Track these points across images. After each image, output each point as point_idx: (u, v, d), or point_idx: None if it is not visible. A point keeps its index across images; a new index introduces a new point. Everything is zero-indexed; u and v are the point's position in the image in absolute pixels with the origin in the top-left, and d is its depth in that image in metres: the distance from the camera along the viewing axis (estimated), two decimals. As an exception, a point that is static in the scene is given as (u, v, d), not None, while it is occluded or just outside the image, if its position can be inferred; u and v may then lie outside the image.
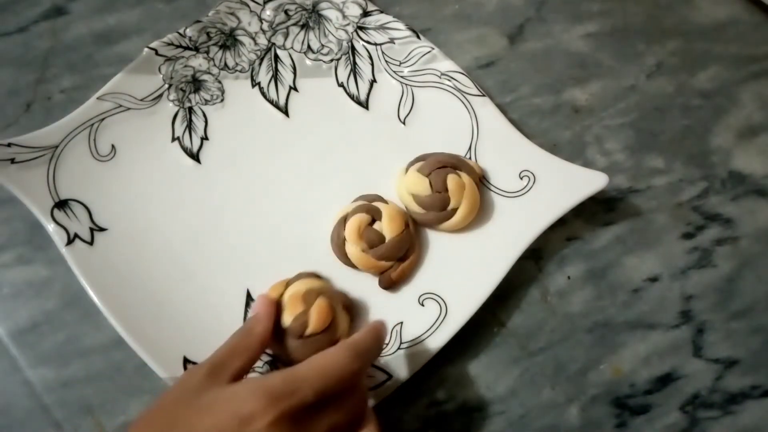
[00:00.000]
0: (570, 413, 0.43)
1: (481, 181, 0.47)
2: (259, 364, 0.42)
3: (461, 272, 0.44)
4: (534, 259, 0.47)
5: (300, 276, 0.43)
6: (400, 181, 0.46)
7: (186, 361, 0.40)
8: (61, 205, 0.43)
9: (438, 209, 0.45)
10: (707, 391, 0.45)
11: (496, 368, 0.44)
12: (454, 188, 0.44)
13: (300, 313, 0.40)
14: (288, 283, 0.42)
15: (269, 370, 0.42)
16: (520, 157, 0.47)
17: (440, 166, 0.45)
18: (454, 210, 0.45)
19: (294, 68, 0.50)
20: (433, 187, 0.45)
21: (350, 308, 0.43)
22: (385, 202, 0.45)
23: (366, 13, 0.51)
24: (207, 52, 0.49)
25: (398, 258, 0.44)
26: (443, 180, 0.44)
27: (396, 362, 0.41)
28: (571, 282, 0.47)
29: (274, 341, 0.40)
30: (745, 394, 0.45)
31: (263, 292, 0.42)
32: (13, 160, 0.43)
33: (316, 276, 0.44)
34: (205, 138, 0.48)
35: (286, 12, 0.51)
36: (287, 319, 0.40)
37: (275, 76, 0.50)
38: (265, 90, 0.50)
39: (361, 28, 0.51)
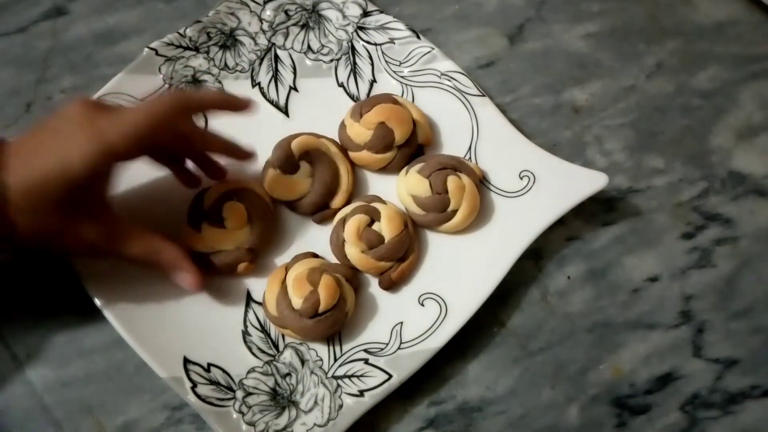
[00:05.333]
0: (570, 413, 0.43)
1: (481, 182, 0.47)
2: (259, 363, 0.42)
3: (461, 272, 0.44)
4: (534, 259, 0.47)
5: (297, 258, 0.43)
6: (401, 182, 0.46)
7: (186, 361, 0.40)
8: (61, 205, 0.43)
9: (438, 211, 0.45)
10: (707, 391, 0.45)
11: (496, 368, 0.44)
12: (454, 190, 0.44)
13: (309, 293, 0.40)
14: (287, 268, 0.42)
15: (269, 370, 0.42)
16: (520, 157, 0.47)
17: (440, 168, 0.45)
18: (454, 212, 0.45)
19: (294, 68, 0.50)
20: (433, 188, 0.44)
21: (353, 280, 0.43)
22: (383, 202, 0.45)
23: (366, 13, 0.51)
24: (207, 53, 0.49)
25: (398, 258, 0.44)
26: (443, 181, 0.44)
27: (396, 362, 0.41)
28: (571, 282, 0.47)
29: (286, 325, 0.41)
30: (745, 394, 0.45)
31: (263, 291, 0.42)
32: (13, 161, 0.43)
33: (312, 255, 0.44)
34: (205, 138, 0.48)
35: (286, 12, 0.51)
36: (297, 302, 0.41)
37: (275, 76, 0.50)
38: (265, 90, 0.50)
39: (361, 28, 0.51)
